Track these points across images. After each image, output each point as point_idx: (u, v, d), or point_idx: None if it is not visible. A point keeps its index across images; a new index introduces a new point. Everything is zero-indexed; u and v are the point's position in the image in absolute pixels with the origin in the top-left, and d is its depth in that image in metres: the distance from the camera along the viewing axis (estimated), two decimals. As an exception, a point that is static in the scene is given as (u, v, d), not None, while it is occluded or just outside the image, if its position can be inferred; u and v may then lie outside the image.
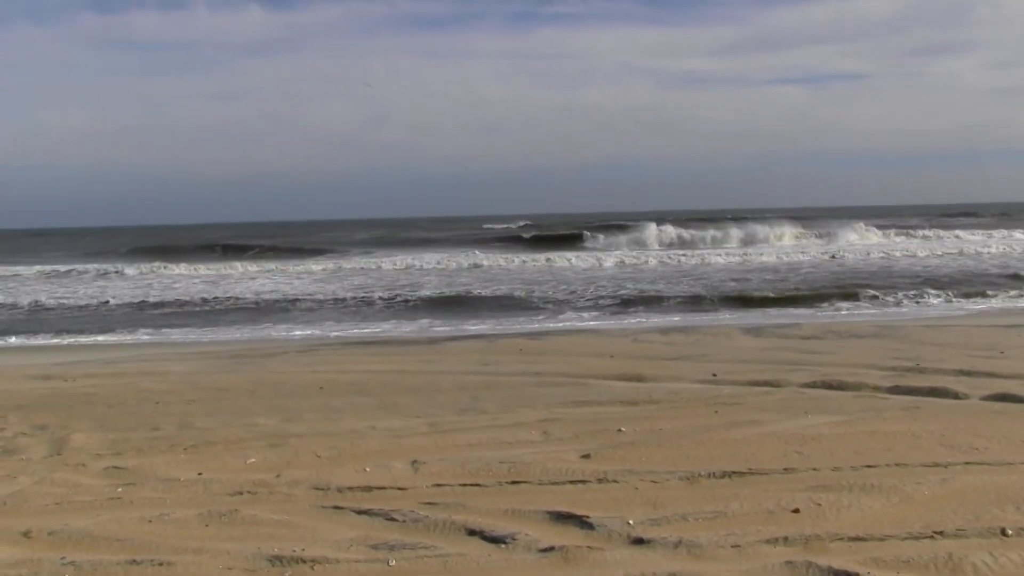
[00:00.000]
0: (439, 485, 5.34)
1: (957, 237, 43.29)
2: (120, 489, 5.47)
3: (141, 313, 20.94)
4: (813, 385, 8.39)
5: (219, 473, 5.77)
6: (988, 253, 32.81)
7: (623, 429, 6.65)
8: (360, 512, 4.86)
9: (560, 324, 16.48)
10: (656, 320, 16.47)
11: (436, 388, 8.90)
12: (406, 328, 16.63)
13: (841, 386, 8.29)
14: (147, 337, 16.38)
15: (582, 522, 4.60)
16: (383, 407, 7.98)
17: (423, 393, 8.64)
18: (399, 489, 5.27)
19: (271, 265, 33.92)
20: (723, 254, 34.53)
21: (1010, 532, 4.26)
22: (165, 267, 33.72)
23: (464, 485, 5.33)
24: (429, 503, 4.98)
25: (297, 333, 16.19)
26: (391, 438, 6.64)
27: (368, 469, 5.71)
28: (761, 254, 33.86)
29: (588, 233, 45.86)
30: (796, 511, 4.67)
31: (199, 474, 5.75)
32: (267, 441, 6.64)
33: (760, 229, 44.21)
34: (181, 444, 6.63)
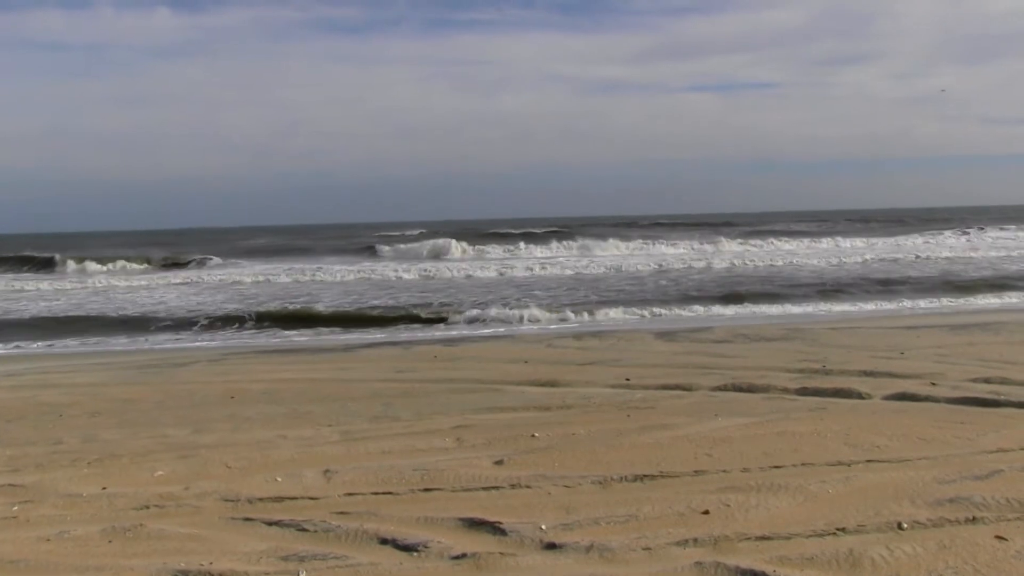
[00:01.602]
0: (351, 494, 5.28)
1: (771, 244, 43.56)
2: (16, 507, 5.26)
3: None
4: (724, 388, 8.53)
5: (125, 487, 5.60)
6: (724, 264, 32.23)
7: (537, 434, 6.67)
8: (271, 523, 4.78)
9: (474, 331, 16.47)
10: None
11: (349, 396, 8.81)
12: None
13: (751, 389, 8.45)
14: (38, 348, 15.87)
15: (495, 528, 4.59)
16: (295, 416, 7.87)
17: (336, 401, 8.54)
18: (310, 499, 5.20)
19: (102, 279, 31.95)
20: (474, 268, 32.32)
21: (905, 525, 4.42)
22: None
23: (376, 493, 5.28)
24: (341, 512, 4.92)
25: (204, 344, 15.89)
26: (303, 447, 6.55)
27: (279, 479, 5.62)
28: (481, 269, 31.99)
29: (381, 245, 45.02)
30: (706, 512, 4.74)
31: (103, 489, 5.56)
32: (176, 453, 6.48)
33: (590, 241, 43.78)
34: (84, 458, 6.41)
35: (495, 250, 41.93)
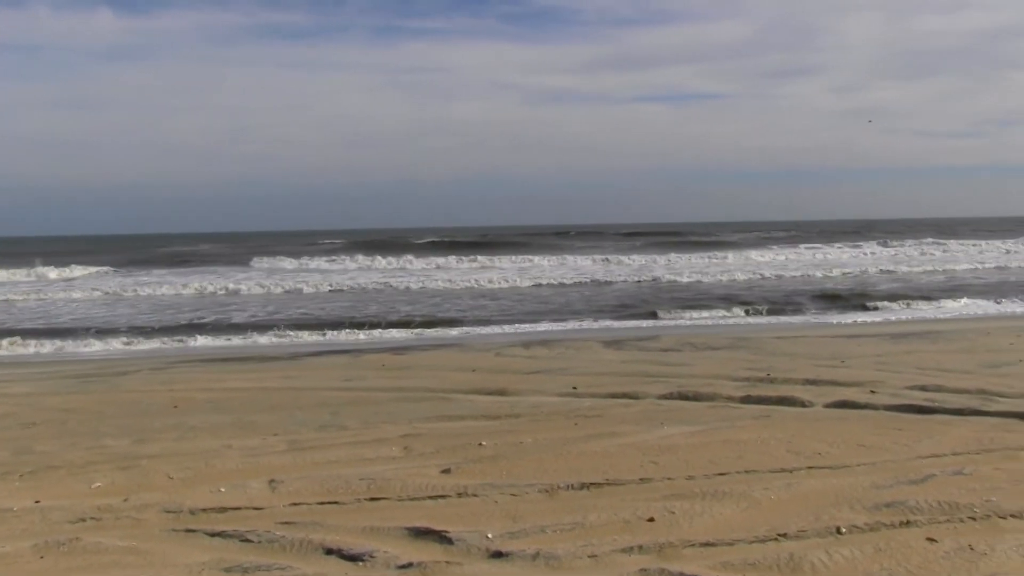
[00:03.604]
0: (297, 504, 5.25)
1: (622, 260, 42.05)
2: (-56, 523, 5.12)
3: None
4: (670, 396, 8.61)
5: (60, 500, 5.49)
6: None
7: (484, 443, 6.69)
8: (213, 534, 4.74)
9: (425, 339, 16.44)
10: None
11: (297, 405, 8.75)
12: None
13: (697, 397, 8.54)
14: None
15: (441, 537, 4.60)
16: (241, 425, 7.80)
17: (283, 410, 8.48)
18: (255, 509, 5.17)
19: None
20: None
21: (844, 530, 4.53)
22: None
23: (322, 503, 5.27)
24: (286, 522, 4.89)
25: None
26: (248, 457, 6.49)
27: (223, 489, 5.57)
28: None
29: (260, 257, 44.46)
30: (651, 520, 4.80)
31: (36, 502, 5.44)
32: (116, 464, 6.38)
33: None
34: (17, 471, 6.27)
35: (379, 261, 41.50)
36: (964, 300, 21.38)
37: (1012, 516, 4.73)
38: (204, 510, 5.16)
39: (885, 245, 50.23)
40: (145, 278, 33.76)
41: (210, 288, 28.57)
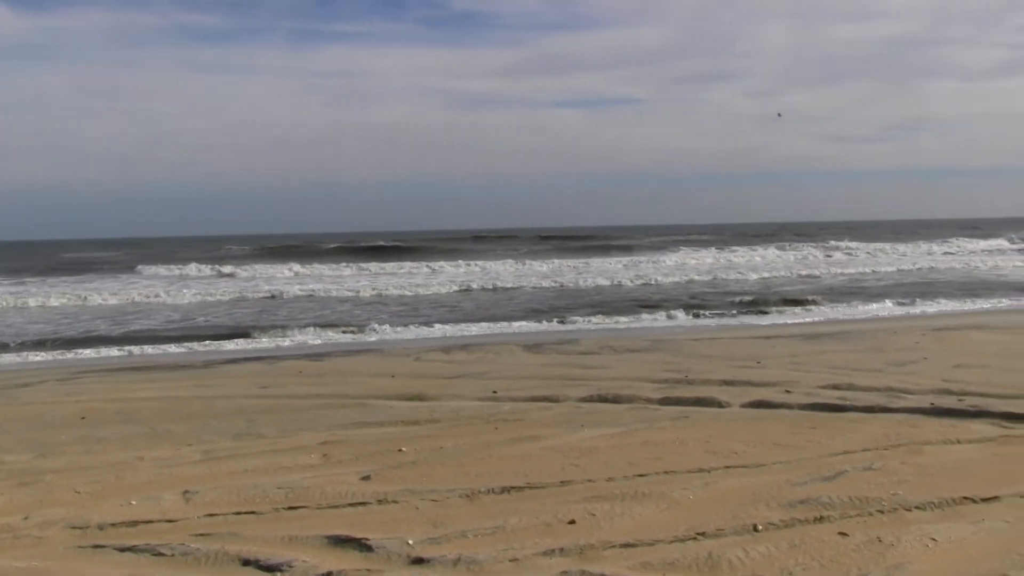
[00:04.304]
0: (212, 515, 5.15)
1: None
2: None
3: None
4: (590, 399, 8.67)
5: (-46, 519, 5.22)
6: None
7: (404, 449, 6.65)
8: (123, 549, 4.61)
9: (343, 345, 16.27)
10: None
11: (212, 413, 8.58)
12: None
13: (616, 399, 8.61)
14: None
15: (361, 545, 4.56)
16: (153, 435, 7.62)
17: (198, 419, 8.30)
18: (168, 521, 5.05)
19: None
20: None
21: (760, 527, 4.63)
22: None
23: (239, 513, 5.17)
24: (201, 534, 4.79)
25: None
26: (161, 468, 6.34)
27: (134, 502, 5.43)
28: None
29: (145, 266, 43.63)
30: (572, 522, 4.82)
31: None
32: (16, 480, 6.14)
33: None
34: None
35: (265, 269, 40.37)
36: (883, 302, 21.95)
37: (917, 508, 4.90)
38: (113, 525, 5.01)
39: (795, 248, 51.29)
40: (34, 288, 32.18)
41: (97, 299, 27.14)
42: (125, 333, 18.81)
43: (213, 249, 63.90)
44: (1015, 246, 52.68)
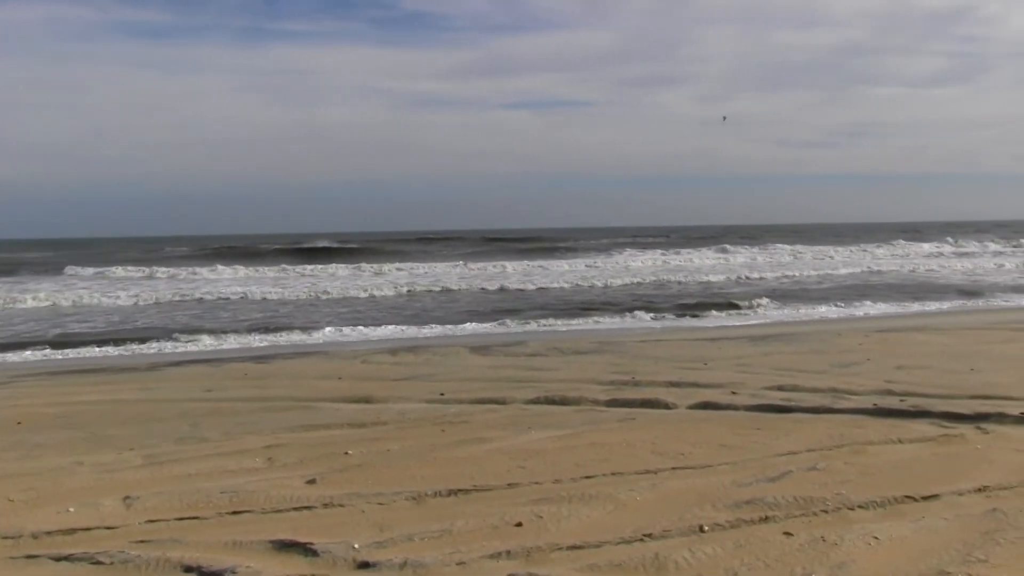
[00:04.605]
0: (153, 521, 5.06)
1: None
2: None
3: None
4: (537, 401, 8.67)
5: None
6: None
7: (350, 452, 6.59)
8: (60, 558, 4.50)
9: (289, 347, 16.10)
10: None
11: (154, 417, 8.43)
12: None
13: (563, 401, 8.62)
14: None
15: (306, 549, 4.50)
16: (94, 440, 7.46)
17: (140, 423, 8.16)
18: (107, 528, 4.94)
19: None
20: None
21: (706, 528, 4.66)
22: None
23: (181, 519, 5.09)
24: (141, 541, 4.70)
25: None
26: (101, 473, 6.21)
27: (72, 509, 5.30)
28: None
29: (74, 267, 42.62)
30: (519, 524, 4.81)
31: None
32: (-55, 488, 5.94)
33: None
34: None
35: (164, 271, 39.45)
36: (827, 304, 22.26)
37: (860, 507, 4.97)
38: (49, 533, 4.88)
39: (740, 251, 51.85)
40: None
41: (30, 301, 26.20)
42: (61, 336, 18.38)
43: (152, 250, 62.94)
44: (955, 249, 53.76)
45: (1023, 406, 7.54)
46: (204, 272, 38.78)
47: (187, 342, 16.80)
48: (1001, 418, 7.19)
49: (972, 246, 55.82)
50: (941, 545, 4.39)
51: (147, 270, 40.32)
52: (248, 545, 4.61)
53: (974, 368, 9.83)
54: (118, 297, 26.85)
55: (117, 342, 16.82)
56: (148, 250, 63.19)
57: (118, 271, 40.32)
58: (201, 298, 26.91)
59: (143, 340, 17.01)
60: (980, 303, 22.20)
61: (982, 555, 4.25)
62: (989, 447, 6.33)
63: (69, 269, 41.64)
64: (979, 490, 5.27)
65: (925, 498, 5.12)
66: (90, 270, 40.94)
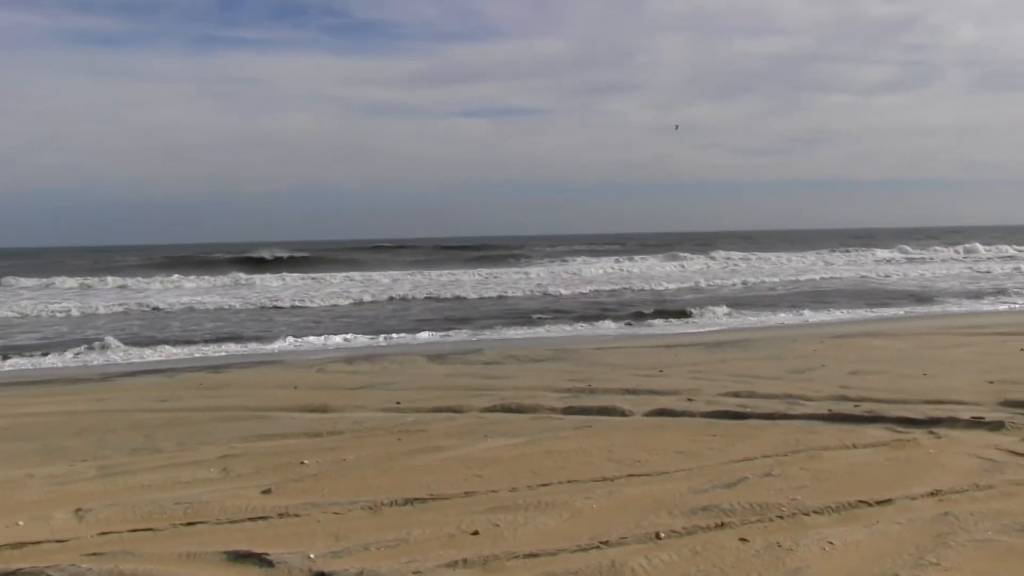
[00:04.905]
0: (106, 533, 4.99)
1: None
2: None
3: None
4: (493, 409, 8.67)
5: None
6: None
7: (306, 461, 6.55)
8: (7, 574, 4.40)
9: (244, 356, 15.95)
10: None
11: (108, 428, 8.32)
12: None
13: (520, 409, 8.63)
14: None
15: (261, 560, 4.47)
16: (46, 452, 7.34)
17: (93, 434, 8.04)
18: (58, 542, 4.86)
19: None
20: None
21: (663, 535, 4.69)
22: None
23: (135, 531, 5.02)
24: (93, 554, 4.63)
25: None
26: (53, 485, 6.12)
27: (22, 523, 5.21)
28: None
29: (10, 278, 42.07)
30: (476, 533, 4.81)
31: None
32: None
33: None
34: None
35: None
36: (783, 310, 22.49)
37: (815, 512, 5.03)
38: (-2, 546, 4.80)
39: (695, 258, 52.22)
40: None
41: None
42: (6, 347, 17.96)
43: (100, 260, 61.86)
44: (907, 255, 54.61)
45: (974, 410, 7.68)
46: (155, 282, 38.15)
47: (140, 352, 16.57)
48: (953, 422, 7.32)
49: (924, 252, 56.77)
50: (894, 549, 4.46)
51: (95, 280, 39.57)
52: (202, 556, 4.56)
53: (927, 373, 9.99)
54: (66, 309, 26.18)
55: (67, 353, 16.54)
56: (96, 260, 62.05)
57: (65, 281, 39.50)
58: (152, 308, 26.45)
59: (94, 350, 16.74)
60: (932, 308, 22.54)
61: (934, 558, 4.31)
62: (941, 451, 6.43)
63: (8, 280, 40.49)
64: (931, 494, 5.36)
65: (879, 503, 5.20)
66: (32, 280, 40.05)
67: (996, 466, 5.96)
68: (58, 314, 25.29)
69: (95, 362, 15.49)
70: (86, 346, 17.06)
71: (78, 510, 5.43)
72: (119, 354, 16.29)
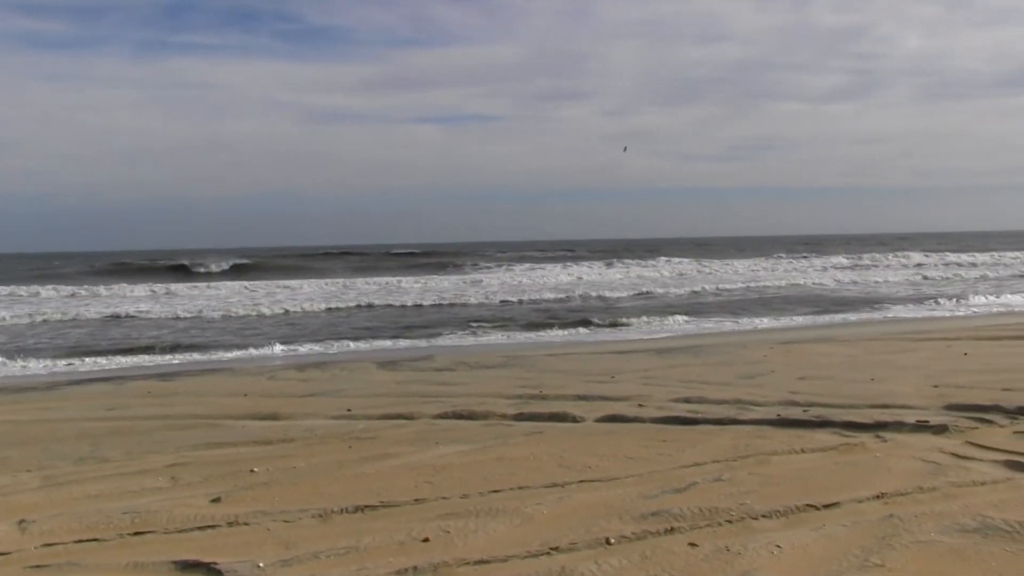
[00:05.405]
0: (51, 544, 4.91)
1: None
2: None
3: None
4: (445, 416, 8.66)
5: None
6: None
7: (256, 469, 6.50)
8: (-53, 588, 4.33)
9: (194, 364, 15.76)
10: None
11: (54, 437, 8.17)
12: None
13: (471, 415, 8.63)
14: None
15: (210, 569, 4.43)
16: (-13, 462, 7.20)
17: (38, 444, 7.89)
18: (0, 554, 4.76)
19: None
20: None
21: (613, 540, 4.72)
22: None
23: (80, 541, 4.94)
24: (36, 566, 4.56)
25: None
26: (-5, 497, 6.00)
27: (-37, 534, 5.11)
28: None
29: None
30: (426, 540, 4.80)
31: None
32: None
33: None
34: None
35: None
36: (731, 316, 22.72)
37: (763, 516, 5.09)
38: (-61, 559, 4.70)
39: (647, 264, 52.62)
40: None
41: None
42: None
43: (41, 267, 60.71)
44: (856, 262, 55.43)
45: (920, 414, 7.83)
46: (100, 289, 37.40)
47: (86, 361, 16.31)
48: (899, 426, 7.44)
49: (871, 259, 57.66)
50: (841, 552, 4.53)
51: (35, 288, 38.66)
52: (150, 566, 4.51)
53: (874, 378, 10.15)
54: (2, 317, 25.48)
55: (10, 361, 16.21)
56: (37, 267, 60.86)
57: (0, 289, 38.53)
58: (96, 316, 26.01)
59: (39, 359, 16.45)
60: (879, 314, 22.90)
61: (879, 560, 4.39)
62: (887, 455, 6.54)
63: None
64: (877, 497, 5.45)
65: (826, 506, 5.27)
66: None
67: (940, 469, 6.08)
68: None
69: (40, 371, 15.22)
70: (30, 354, 16.80)
71: (21, 521, 5.33)
72: (64, 362, 16.01)
